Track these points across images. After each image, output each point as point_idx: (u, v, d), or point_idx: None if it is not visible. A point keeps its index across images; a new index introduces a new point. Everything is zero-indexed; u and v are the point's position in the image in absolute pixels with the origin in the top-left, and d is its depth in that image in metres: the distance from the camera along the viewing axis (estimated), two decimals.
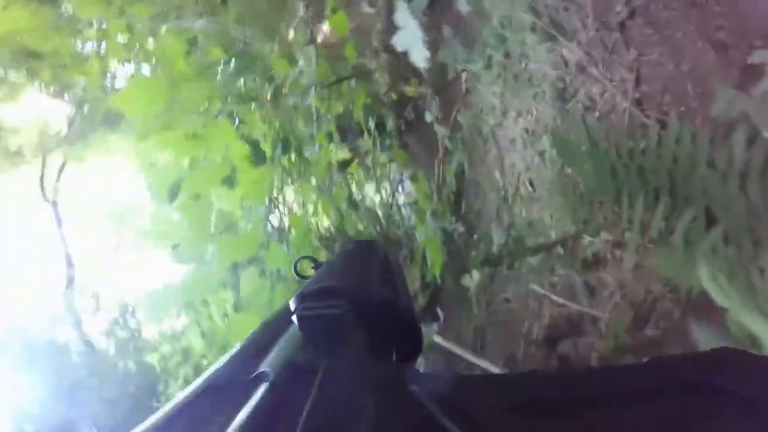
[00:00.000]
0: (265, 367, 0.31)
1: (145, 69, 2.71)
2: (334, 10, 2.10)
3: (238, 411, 0.25)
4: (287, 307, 0.40)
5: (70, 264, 5.13)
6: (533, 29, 2.14)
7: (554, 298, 2.06)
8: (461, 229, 2.73)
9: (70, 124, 4.43)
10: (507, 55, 2.37)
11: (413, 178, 3.50)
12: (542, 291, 2.12)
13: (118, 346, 3.69)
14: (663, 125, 1.39)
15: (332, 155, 2.81)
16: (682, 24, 1.52)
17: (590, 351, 1.86)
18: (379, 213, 3.55)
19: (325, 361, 0.29)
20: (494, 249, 2.15)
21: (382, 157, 3.35)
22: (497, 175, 2.51)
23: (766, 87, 0.77)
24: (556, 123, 1.99)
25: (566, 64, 2.03)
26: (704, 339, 1.04)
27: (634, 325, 1.60)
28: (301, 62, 2.40)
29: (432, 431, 0.23)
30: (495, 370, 1.98)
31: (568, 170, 1.75)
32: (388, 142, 3.09)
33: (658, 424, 0.24)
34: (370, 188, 4.11)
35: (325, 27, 2.91)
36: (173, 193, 1.80)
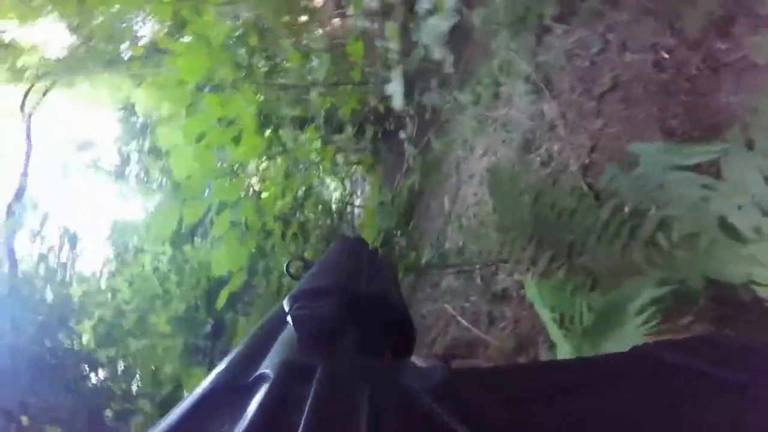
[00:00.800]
0: (263, 368, 0.32)
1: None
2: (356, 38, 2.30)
3: (241, 413, 0.26)
4: (281, 308, 0.41)
5: (24, 174, 5.05)
6: (527, 79, 2.34)
7: (461, 320, 2.20)
8: (403, 243, 2.87)
9: (72, 51, 4.47)
10: (496, 96, 2.58)
11: (373, 185, 3.65)
12: (452, 312, 2.27)
13: (48, 271, 3.60)
14: (593, 191, 1.57)
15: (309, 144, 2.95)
16: (648, 106, 1.72)
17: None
18: (333, 207, 3.67)
19: (321, 360, 0.30)
20: (422, 262, 2.28)
21: (352, 157, 3.49)
22: (447, 203, 2.67)
23: (639, 172, 0.92)
24: (513, 169, 2.17)
25: (542, 118, 2.23)
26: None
27: (514, 352, 1.76)
28: (314, 61, 2.57)
29: (429, 424, 0.24)
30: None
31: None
32: (362, 144, 3.24)
33: (646, 407, 0.24)
34: (331, 183, 4.23)
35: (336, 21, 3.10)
36: (200, 139, 1.95)
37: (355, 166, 3.75)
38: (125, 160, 4.09)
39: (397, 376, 0.28)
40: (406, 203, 2.83)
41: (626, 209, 0.95)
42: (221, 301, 1.82)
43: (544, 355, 1.47)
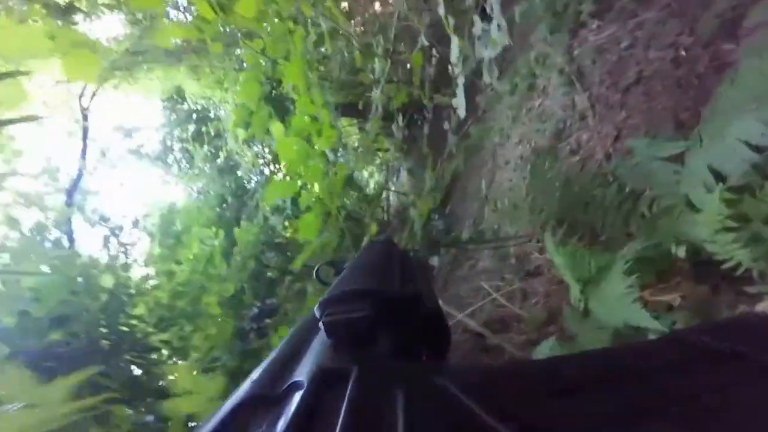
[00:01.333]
0: (297, 376, 0.33)
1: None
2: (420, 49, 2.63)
3: (275, 423, 0.27)
4: (313, 314, 0.42)
5: (83, 159, 5.45)
6: (561, 72, 2.64)
7: (496, 296, 2.53)
8: (441, 226, 3.20)
9: (134, 44, 4.78)
10: (531, 87, 2.88)
11: (410, 171, 3.99)
12: (488, 289, 2.59)
13: (109, 256, 3.90)
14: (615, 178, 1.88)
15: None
16: (666, 100, 2.00)
17: (509, 343, 2.32)
18: (370, 193, 4.03)
19: (355, 365, 0.30)
20: (461, 238, 2.61)
21: (388, 144, 3.84)
22: (483, 187, 2.99)
23: (635, 161, 1.22)
24: (551, 156, 2.47)
25: (574, 109, 2.52)
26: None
27: (545, 323, 2.08)
28: (377, 67, 2.92)
29: (468, 424, 0.24)
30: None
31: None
32: (400, 133, 3.56)
33: (686, 394, 0.25)
34: (366, 170, 4.59)
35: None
36: (298, 132, 2.29)
37: (390, 155, 4.08)
38: (168, 147, 4.47)
39: (433, 376, 0.29)
40: (446, 187, 3.16)
41: (627, 190, 1.27)
42: (298, 262, 2.17)
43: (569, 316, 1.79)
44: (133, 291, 3.63)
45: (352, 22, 2.60)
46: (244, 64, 2.81)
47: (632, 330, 1.20)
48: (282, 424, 0.26)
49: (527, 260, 2.48)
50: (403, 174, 4.29)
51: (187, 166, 4.66)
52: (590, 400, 0.26)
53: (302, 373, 0.34)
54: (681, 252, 1.06)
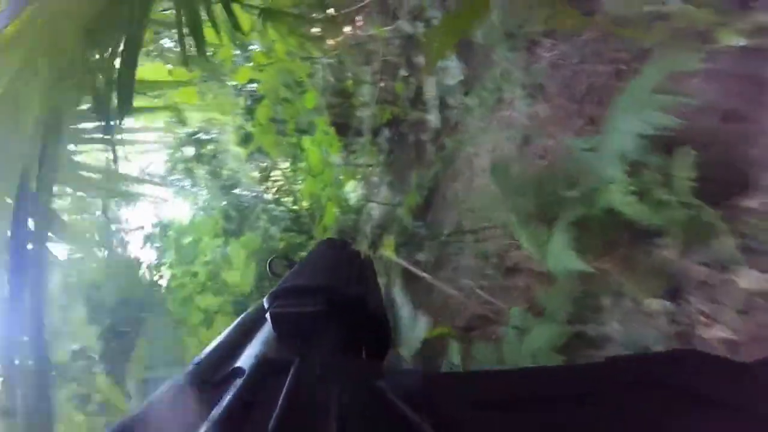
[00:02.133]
0: (239, 363, 0.36)
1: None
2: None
3: (212, 407, 0.29)
4: (261, 305, 0.47)
5: None
6: (523, 86, 3.18)
7: (480, 293, 3.00)
8: (424, 232, 3.68)
9: None
10: (499, 100, 3.41)
11: (391, 184, 4.49)
12: (472, 286, 3.07)
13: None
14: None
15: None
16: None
17: (492, 335, 2.79)
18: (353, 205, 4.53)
19: (297, 357, 0.33)
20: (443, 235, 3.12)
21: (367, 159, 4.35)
22: (461, 193, 3.49)
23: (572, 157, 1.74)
24: (516, 161, 2.99)
25: (537, 118, 3.05)
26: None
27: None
28: (365, 91, 3.51)
29: (398, 425, 0.27)
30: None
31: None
32: (382, 146, 4.09)
33: (617, 419, 0.27)
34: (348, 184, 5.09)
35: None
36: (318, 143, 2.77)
37: (371, 168, 4.61)
38: (172, 167, 4.94)
39: (371, 376, 0.32)
40: (427, 196, 3.69)
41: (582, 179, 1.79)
42: (319, 230, 2.67)
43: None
44: (164, 288, 4.09)
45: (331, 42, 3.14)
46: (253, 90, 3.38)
47: (579, 281, 1.71)
48: (218, 409, 0.28)
49: (507, 257, 2.96)
50: (384, 188, 4.79)
51: (190, 184, 5.11)
52: (520, 416, 0.28)
53: (244, 361, 0.37)
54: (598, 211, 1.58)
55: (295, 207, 4.40)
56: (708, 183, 1.48)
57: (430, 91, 3.05)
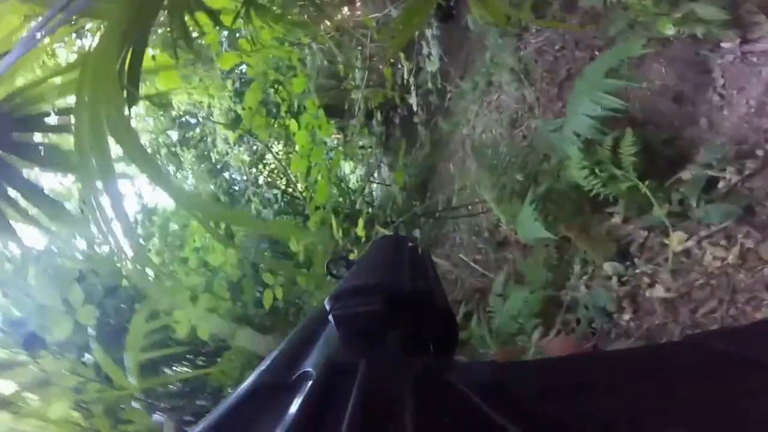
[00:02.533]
0: (307, 366, 0.37)
1: None
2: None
3: (285, 411, 0.30)
4: (323, 307, 0.47)
5: None
6: (512, 70, 3.40)
7: (475, 266, 3.25)
8: (420, 211, 3.94)
9: None
10: (489, 84, 3.64)
11: (390, 166, 4.73)
12: (467, 260, 3.33)
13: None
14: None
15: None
16: None
17: (485, 305, 3.04)
18: (353, 187, 4.78)
19: (363, 358, 0.33)
20: (438, 211, 3.37)
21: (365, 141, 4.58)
22: (455, 171, 3.73)
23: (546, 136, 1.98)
24: (504, 141, 3.23)
25: (524, 101, 3.28)
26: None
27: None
28: (357, 75, 3.75)
29: (474, 420, 0.26)
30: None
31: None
32: (377, 129, 4.32)
33: (705, 400, 0.27)
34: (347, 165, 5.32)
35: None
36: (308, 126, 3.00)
37: (369, 150, 4.84)
38: (155, 152, 5.03)
39: (441, 372, 0.32)
40: (422, 176, 3.94)
41: (541, 155, 2.03)
42: (312, 208, 2.91)
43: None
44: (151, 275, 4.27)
45: (322, 27, 3.35)
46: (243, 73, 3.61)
47: (554, 250, 1.97)
48: (293, 411, 0.29)
49: (497, 232, 3.21)
50: (384, 169, 5.03)
51: (175, 169, 5.12)
52: (602, 401, 0.28)
53: (312, 363, 0.38)
54: (562, 184, 1.82)
55: (288, 189, 4.61)
56: (655, 158, 1.72)
57: (409, 76, 3.29)
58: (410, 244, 0.79)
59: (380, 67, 3.55)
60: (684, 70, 1.87)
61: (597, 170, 1.67)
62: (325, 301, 0.48)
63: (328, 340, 0.45)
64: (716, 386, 0.28)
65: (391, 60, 3.31)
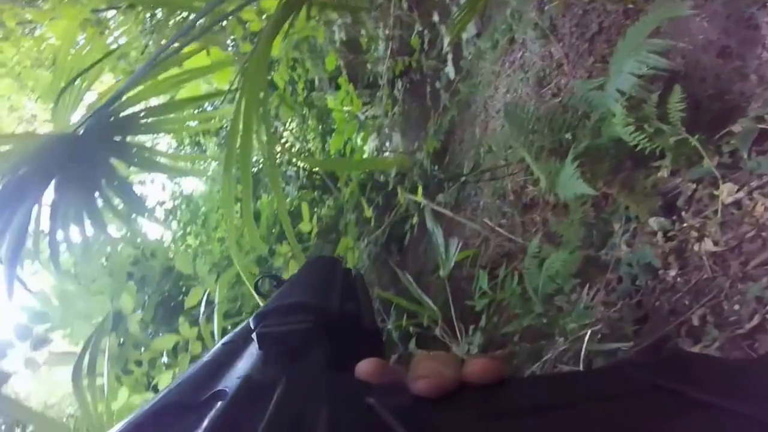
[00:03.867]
0: (222, 385, 0.37)
1: None
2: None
3: (194, 430, 0.29)
4: (247, 326, 0.49)
5: None
6: (535, 26, 3.43)
7: (500, 231, 3.33)
8: (441, 175, 4.01)
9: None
10: (512, 41, 3.68)
11: (403, 134, 4.80)
12: (491, 224, 3.41)
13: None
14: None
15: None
16: None
17: (513, 270, 3.13)
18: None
19: (283, 377, 0.34)
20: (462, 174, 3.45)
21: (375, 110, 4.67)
22: (478, 134, 3.79)
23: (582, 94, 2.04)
24: (531, 102, 3.28)
25: (551, 58, 3.32)
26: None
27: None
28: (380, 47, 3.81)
29: None
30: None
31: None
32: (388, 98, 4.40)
33: (610, 424, 0.29)
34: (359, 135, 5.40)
35: None
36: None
37: (381, 120, 4.92)
38: (179, 142, 5.24)
39: (362, 394, 0.32)
40: (442, 141, 4.01)
41: (579, 112, 2.09)
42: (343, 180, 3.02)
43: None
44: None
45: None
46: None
47: (591, 208, 2.04)
48: (201, 429, 0.29)
49: (523, 194, 3.28)
50: (396, 137, 5.09)
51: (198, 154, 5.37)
52: (517, 427, 0.29)
53: (227, 383, 0.38)
54: (604, 141, 1.90)
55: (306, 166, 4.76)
56: (701, 112, 1.79)
57: (446, 46, 3.35)
58: (342, 265, 0.82)
59: (401, 37, 3.64)
60: (728, 25, 1.92)
61: (645, 126, 1.74)
62: (250, 320, 0.49)
63: (249, 359, 0.45)
64: (630, 413, 0.30)
65: (420, 29, 3.40)
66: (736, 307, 1.51)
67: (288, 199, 4.25)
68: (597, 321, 1.80)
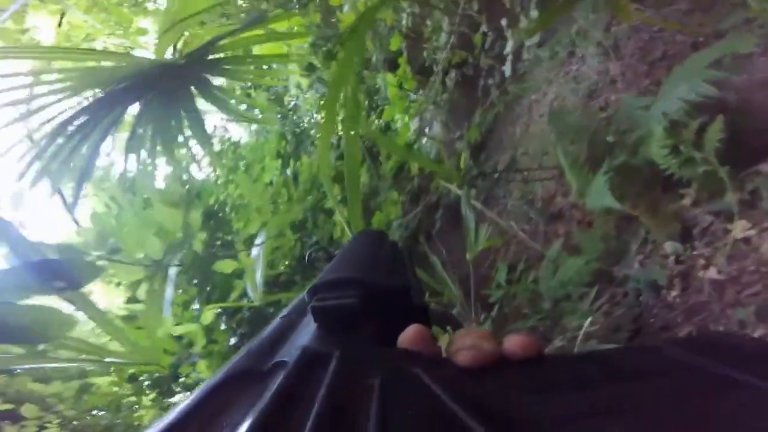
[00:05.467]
0: (284, 356, 0.42)
1: None
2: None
3: (258, 398, 0.33)
4: (302, 299, 0.55)
5: None
6: (599, 44, 3.64)
7: (522, 235, 3.56)
8: (475, 171, 4.24)
9: None
10: (571, 54, 3.89)
11: (444, 123, 5.04)
12: (516, 229, 3.63)
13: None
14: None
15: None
16: None
17: (529, 271, 3.34)
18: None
19: (338, 349, 0.38)
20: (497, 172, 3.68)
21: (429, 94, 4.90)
22: (518, 134, 4.02)
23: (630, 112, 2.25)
24: (577, 111, 3.49)
25: (607, 74, 3.53)
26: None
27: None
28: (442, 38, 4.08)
29: (437, 414, 0.30)
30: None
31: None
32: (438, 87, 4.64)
33: (649, 400, 0.30)
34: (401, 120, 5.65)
35: None
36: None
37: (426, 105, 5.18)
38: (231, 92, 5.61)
39: (410, 364, 0.35)
40: (483, 136, 4.26)
41: (621, 128, 2.32)
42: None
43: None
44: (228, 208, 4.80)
45: None
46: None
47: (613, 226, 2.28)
48: (264, 399, 0.32)
49: (552, 204, 3.49)
50: (436, 125, 5.33)
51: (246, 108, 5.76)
52: (559, 401, 0.31)
53: (288, 353, 0.42)
54: (638, 160, 2.12)
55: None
56: (739, 146, 2.01)
57: (509, 46, 3.61)
58: (390, 239, 0.89)
59: (464, 33, 3.90)
60: None
61: (680, 149, 1.96)
62: (305, 293, 0.54)
63: (306, 331, 0.50)
64: (665, 390, 0.31)
65: (485, 30, 3.66)
66: (720, 328, 1.74)
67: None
68: (595, 323, 2.03)
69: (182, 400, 0.37)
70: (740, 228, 1.82)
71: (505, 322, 2.69)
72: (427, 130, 5.55)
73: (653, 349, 0.39)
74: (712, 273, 1.86)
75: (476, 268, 2.93)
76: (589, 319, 2.00)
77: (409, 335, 0.42)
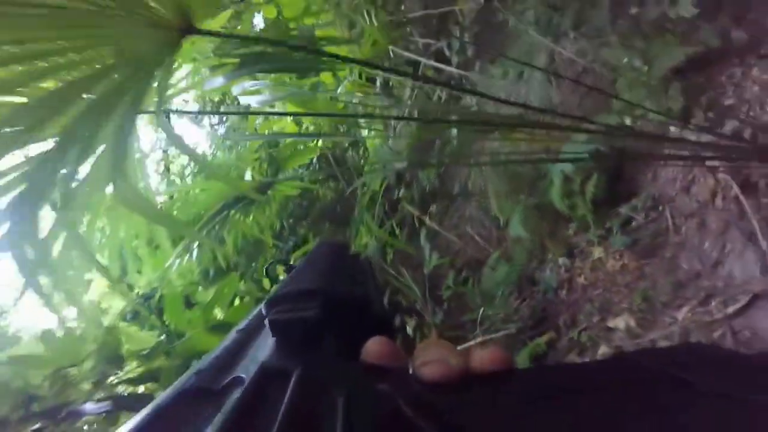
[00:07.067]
0: (240, 372, 0.46)
1: None
2: None
3: (214, 416, 0.37)
4: (260, 312, 0.60)
5: None
6: (543, 70, 5.26)
7: (478, 239, 5.15)
8: (434, 191, 5.73)
9: None
10: (520, 75, 5.49)
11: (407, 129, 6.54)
12: (472, 233, 5.28)
13: None
14: None
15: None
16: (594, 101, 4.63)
17: (479, 273, 4.99)
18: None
19: (298, 365, 0.42)
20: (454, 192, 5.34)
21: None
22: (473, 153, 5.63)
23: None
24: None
25: (550, 102, 5.14)
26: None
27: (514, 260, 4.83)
28: None
29: (401, 429, 0.34)
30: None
31: None
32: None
33: (621, 410, 0.35)
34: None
35: None
36: None
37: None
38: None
39: (376, 381, 0.40)
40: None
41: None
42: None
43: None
44: None
45: None
46: None
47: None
48: (219, 418, 0.36)
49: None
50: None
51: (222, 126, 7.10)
52: (528, 416, 0.35)
53: (245, 369, 0.48)
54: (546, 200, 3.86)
55: None
56: (610, 193, 3.71)
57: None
58: (351, 250, 1.01)
59: None
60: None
61: (568, 196, 3.66)
62: (262, 306, 0.62)
63: (263, 346, 0.57)
64: (640, 402, 0.37)
65: None
66: (581, 317, 3.45)
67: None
68: (513, 312, 3.76)
69: (127, 421, 0.41)
70: (597, 252, 3.55)
71: (453, 315, 4.39)
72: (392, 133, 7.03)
73: (627, 360, 0.47)
74: (581, 280, 3.59)
75: (434, 273, 4.64)
76: (503, 310, 3.71)
77: (373, 348, 0.48)
